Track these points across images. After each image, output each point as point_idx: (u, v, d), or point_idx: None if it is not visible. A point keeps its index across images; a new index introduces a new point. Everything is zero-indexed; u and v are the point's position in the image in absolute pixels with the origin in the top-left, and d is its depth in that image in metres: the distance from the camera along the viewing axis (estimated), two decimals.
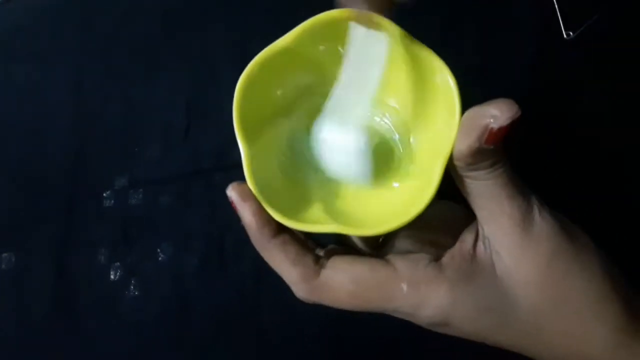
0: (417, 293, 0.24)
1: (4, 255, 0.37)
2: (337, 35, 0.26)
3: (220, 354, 0.35)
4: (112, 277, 0.36)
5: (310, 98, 0.28)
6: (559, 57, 0.36)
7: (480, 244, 0.25)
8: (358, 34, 0.24)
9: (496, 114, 0.21)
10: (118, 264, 0.36)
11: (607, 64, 0.36)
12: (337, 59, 0.27)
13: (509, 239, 0.24)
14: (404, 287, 0.24)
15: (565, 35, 0.36)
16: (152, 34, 0.40)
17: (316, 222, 0.25)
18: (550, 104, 0.35)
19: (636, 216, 0.34)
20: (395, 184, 0.28)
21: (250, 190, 0.25)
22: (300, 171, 0.28)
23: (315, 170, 0.29)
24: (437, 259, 0.25)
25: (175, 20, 0.40)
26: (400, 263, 0.25)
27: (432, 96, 0.26)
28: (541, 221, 0.24)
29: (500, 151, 0.23)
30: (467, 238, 0.25)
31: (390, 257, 0.26)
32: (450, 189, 0.24)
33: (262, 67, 0.26)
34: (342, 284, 0.25)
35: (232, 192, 0.25)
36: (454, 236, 0.26)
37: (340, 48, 0.27)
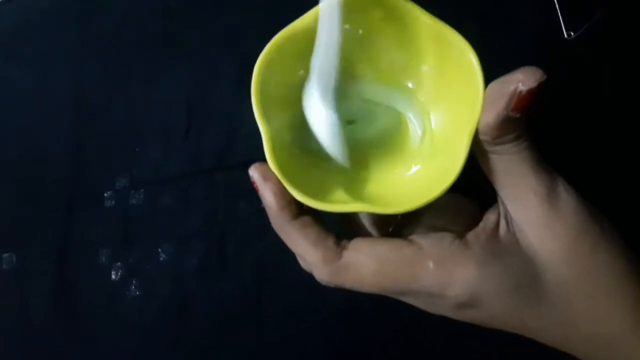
0: (444, 270, 0.23)
1: (5, 255, 0.37)
2: (354, 16, 0.25)
3: (220, 354, 0.35)
4: (113, 277, 0.36)
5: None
6: (559, 57, 0.36)
7: (503, 222, 0.25)
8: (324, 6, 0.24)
9: (523, 78, 0.21)
10: (119, 264, 0.37)
11: (607, 64, 0.36)
12: (353, 41, 0.27)
13: (535, 215, 0.24)
14: (430, 264, 0.23)
15: (565, 35, 0.36)
16: (152, 34, 0.40)
17: (339, 202, 0.25)
18: (550, 104, 0.35)
19: (637, 214, 0.34)
20: (416, 166, 0.28)
21: (271, 171, 0.24)
22: (318, 154, 0.28)
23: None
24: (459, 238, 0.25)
25: (175, 20, 0.40)
26: (424, 241, 0.24)
27: (451, 75, 0.26)
28: (567, 197, 0.24)
29: (524, 124, 0.23)
30: (490, 218, 0.25)
31: (413, 237, 0.25)
32: (464, 181, 0.24)
33: (280, 48, 0.25)
34: (366, 264, 0.24)
35: (254, 171, 0.25)
36: (465, 226, 0.26)
37: (360, 30, 0.26)
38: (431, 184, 0.24)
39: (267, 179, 0.25)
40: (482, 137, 0.23)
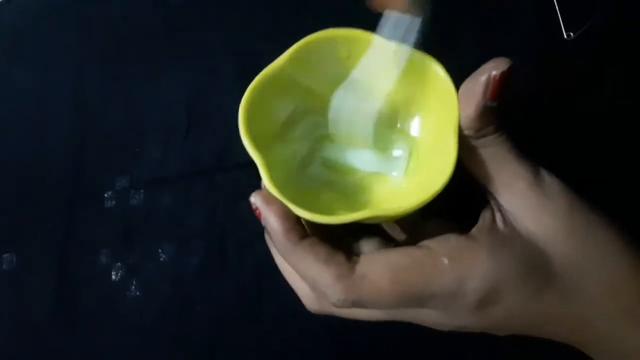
0: (459, 265, 0.24)
1: (5, 255, 0.37)
2: (329, 55, 0.27)
3: (221, 354, 0.35)
4: (113, 277, 0.36)
5: (309, 118, 0.29)
6: (559, 57, 0.36)
7: (498, 216, 0.25)
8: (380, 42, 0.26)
9: (493, 65, 0.23)
10: (119, 264, 0.37)
11: (607, 65, 0.36)
12: (332, 80, 0.27)
13: (526, 201, 0.24)
14: (445, 260, 0.24)
15: (565, 36, 0.36)
16: (152, 34, 0.40)
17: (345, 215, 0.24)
18: (549, 104, 0.35)
19: (633, 217, 0.34)
20: (405, 182, 0.28)
21: (273, 196, 0.24)
22: (311, 185, 0.29)
23: (327, 184, 0.29)
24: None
25: (175, 20, 0.40)
26: (432, 242, 0.25)
27: (421, 90, 0.27)
28: (551, 180, 0.25)
29: (499, 117, 0.24)
30: (486, 216, 0.26)
31: (419, 243, 0.25)
32: (443, 206, 0.24)
33: (261, 89, 0.26)
34: (381, 273, 0.24)
35: (256, 197, 0.25)
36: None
37: (330, 69, 0.27)
38: (431, 183, 0.24)
39: (270, 203, 0.24)
40: (466, 132, 0.24)
